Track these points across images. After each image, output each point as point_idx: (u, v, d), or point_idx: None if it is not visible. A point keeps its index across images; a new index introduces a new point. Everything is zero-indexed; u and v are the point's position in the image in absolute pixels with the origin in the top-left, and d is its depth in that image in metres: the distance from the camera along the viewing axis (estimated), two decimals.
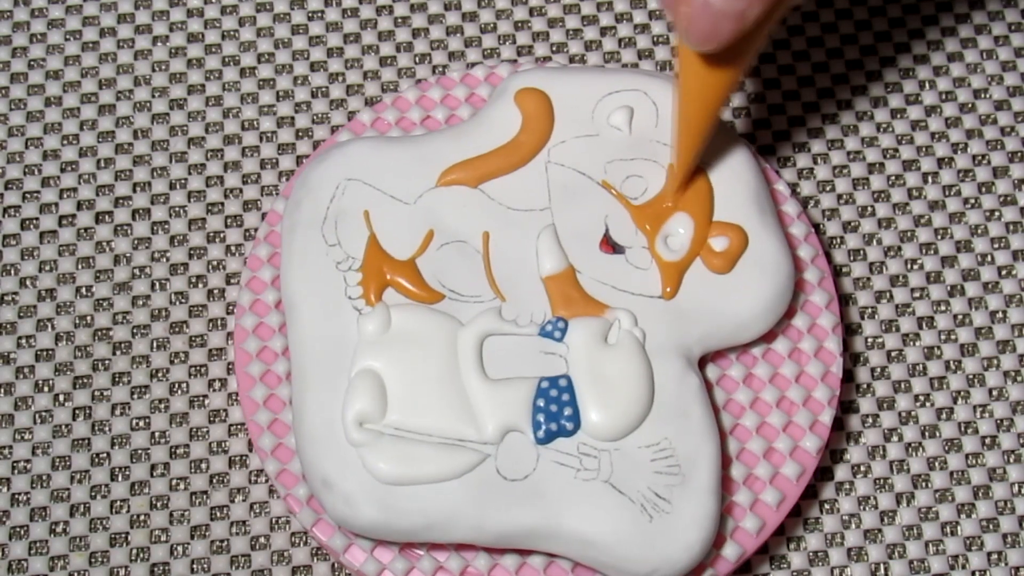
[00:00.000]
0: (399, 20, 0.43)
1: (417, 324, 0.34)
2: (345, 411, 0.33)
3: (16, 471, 0.37)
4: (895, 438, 0.38)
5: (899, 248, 0.40)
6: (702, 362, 0.35)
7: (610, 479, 0.32)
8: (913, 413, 0.38)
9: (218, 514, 0.37)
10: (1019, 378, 0.38)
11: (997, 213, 0.40)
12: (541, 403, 0.33)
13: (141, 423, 0.37)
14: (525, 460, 0.33)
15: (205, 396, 0.38)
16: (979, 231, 0.40)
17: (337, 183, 0.35)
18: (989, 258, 0.40)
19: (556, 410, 0.33)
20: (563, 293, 0.34)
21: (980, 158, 0.41)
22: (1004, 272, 0.40)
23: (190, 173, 0.40)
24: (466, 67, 0.42)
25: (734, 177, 0.36)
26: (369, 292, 0.34)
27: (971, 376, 0.38)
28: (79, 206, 0.40)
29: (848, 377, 0.38)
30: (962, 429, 0.38)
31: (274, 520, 0.36)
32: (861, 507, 0.37)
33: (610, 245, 0.35)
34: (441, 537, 0.32)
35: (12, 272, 0.39)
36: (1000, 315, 0.39)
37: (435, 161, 0.36)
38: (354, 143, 0.36)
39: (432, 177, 0.35)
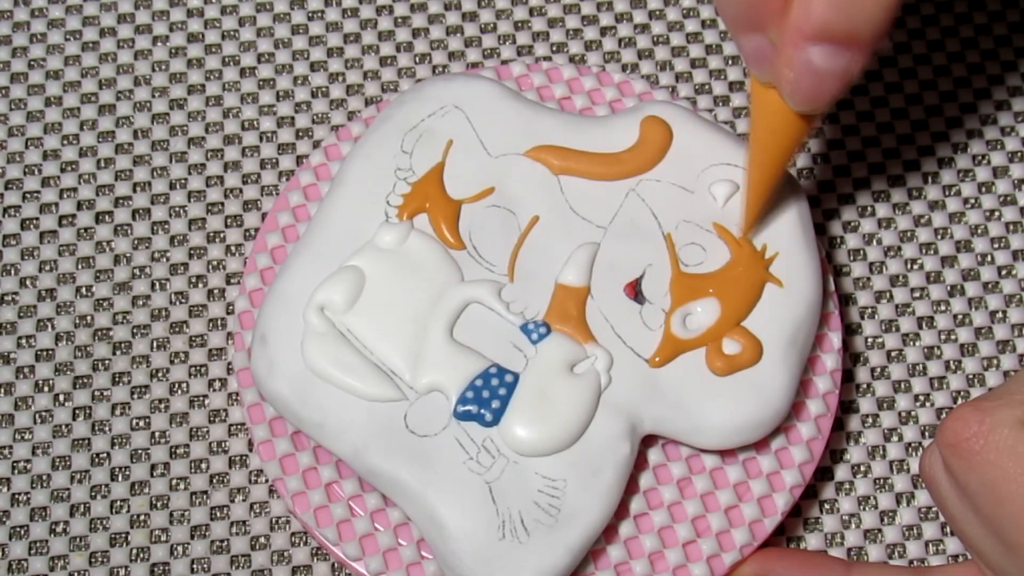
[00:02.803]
0: (399, 20, 0.43)
1: (425, 257, 0.35)
2: (317, 291, 0.34)
3: (16, 471, 0.37)
4: (895, 438, 0.38)
5: (899, 248, 0.40)
6: (650, 440, 0.35)
7: (492, 483, 0.33)
8: (913, 413, 0.38)
9: (218, 514, 0.37)
10: None
11: (997, 213, 0.40)
12: (479, 383, 0.33)
13: (141, 423, 0.37)
14: (434, 422, 0.33)
15: (205, 396, 0.38)
16: (979, 231, 0.40)
17: (443, 104, 0.36)
18: (989, 258, 0.40)
19: (487, 397, 0.33)
20: (564, 305, 0.34)
21: (980, 158, 0.41)
22: (1004, 272, 0.40)
23: (190, 173, 0.40)
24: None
25: (790, 302, 0.35)
26: (405, 208, 0.35)
27: (971, 376, 0.38)
28: (79, 206, 0.40)
29: (848, 377, 0.38)
30: None
31: (274, 520, 0.36)
32: (861, 507, 0.37)
33: (635, 291, 0.34)
34: (326, 442, 0.33)
35: (12, 272, 0.39)
36: (1000, 315, 0.39)
37: (537, 132, 0.36)
38: (482, 80, 0.37)
39: (525, 144, 0.36)
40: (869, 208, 0.40)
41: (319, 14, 0.42)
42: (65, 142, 0.41)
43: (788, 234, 0.35)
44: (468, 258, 0.35)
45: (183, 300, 0.39)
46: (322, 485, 0.34)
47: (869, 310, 0.39)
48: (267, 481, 0.37)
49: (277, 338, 0.34)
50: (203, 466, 0.37)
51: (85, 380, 0.38)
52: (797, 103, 0.30)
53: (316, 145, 0.41)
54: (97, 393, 0.38)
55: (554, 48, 0.42)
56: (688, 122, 0.36)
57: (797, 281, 0.35)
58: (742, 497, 0.34)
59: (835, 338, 0.36)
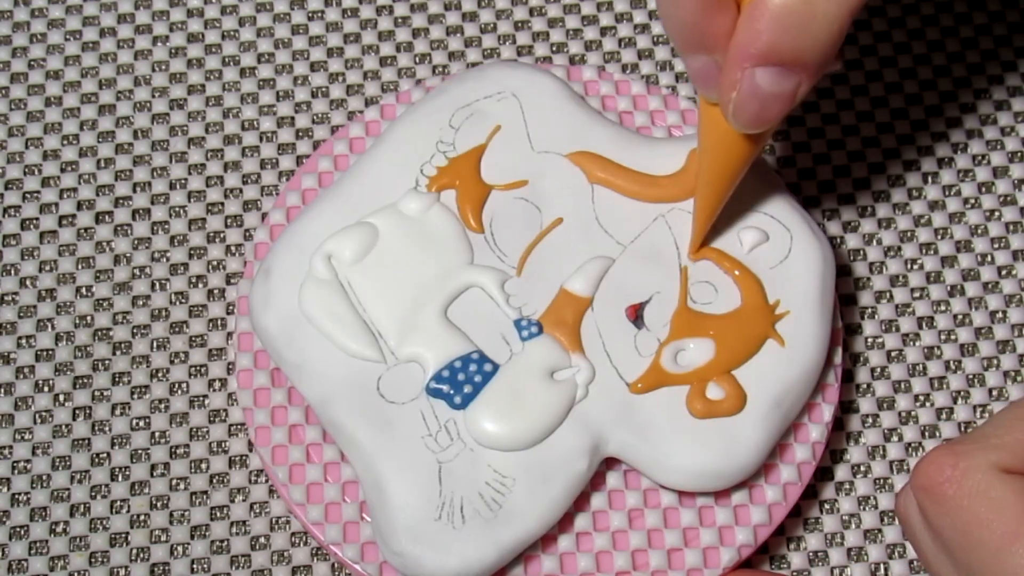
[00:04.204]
0: (399, 20, 0.43)
1: (441, 232, 0.35)
2: (329, 239, 0.35)
3: (16, 471, 0.37)
4: (895, 438, 0.38)
5: (899, 248, 0.40)
6: (613, 463, 0.34)
7: (443, 464, 0.33)
8: (913, 413, 0.38)
9: (218, 514, 0.37)
10: (1019, 378, 0.38)
11: (997, 213, 0.40)
12: (458, 364, 0.34)
13: (141, 423, 0.37)
14: (405, 391, 0.34)
15: (205, 396, 0.38)
16: (979, 231, 0.40)
17: (502, 89, 0.37)
18: (989, 258, 0.40)
19: (462, 380, 0.33)
20: (562, 311, 0.34)
21: (980, 158, 0.41)
22: (1004, 272, 0.40)
23: (190, 173, 0.40)
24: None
25: (786, 363, 0.34)
26: (437, 181, 0.36)
27: (971, 376, 0.38)
28: (79, 206, 0.40)
29: (848, 377, 0.38)
30: (962, 429, 0.38)
31: (274, 520, 0.36)
32: (861, 507, 0.37)
33: (636, 314, 0.34)
34: (299, 384, 0.34)
35: (12, 272, 0.39)
36: (1000, 315, 0.39)
37: (585, 138, 0.36)
38: (546, 75, 0.37)
39: (570, 147, 0.36)
40: (869, 208, 0.40)
41: (319, 14, 0.42)
42: (65, 142, 0.41)
43: (805, 295, 0.35)
44: (483, 243, 0.35)
45: (183, 300, 0.39)
46: (287, 425, 0.35)
47: (869, 310, 0.39)
48: (267, 481, 0.37)
49: (280, 275, 0.35)
50: (203, 466, 0.37)
51: (85, 380, 0.38)
52: (741, 124, 0.30)
53: (316, 146, 0.41)
54: (97, 393, 0.38)
55: (554, 48, 0.42)
56: None
57: (800, 344, 0.34)
58: (688, 543, 0.34)
59: (827, 411, 0.36)
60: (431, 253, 0.35)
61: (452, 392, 0.33)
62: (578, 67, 0.39)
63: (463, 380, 0.33)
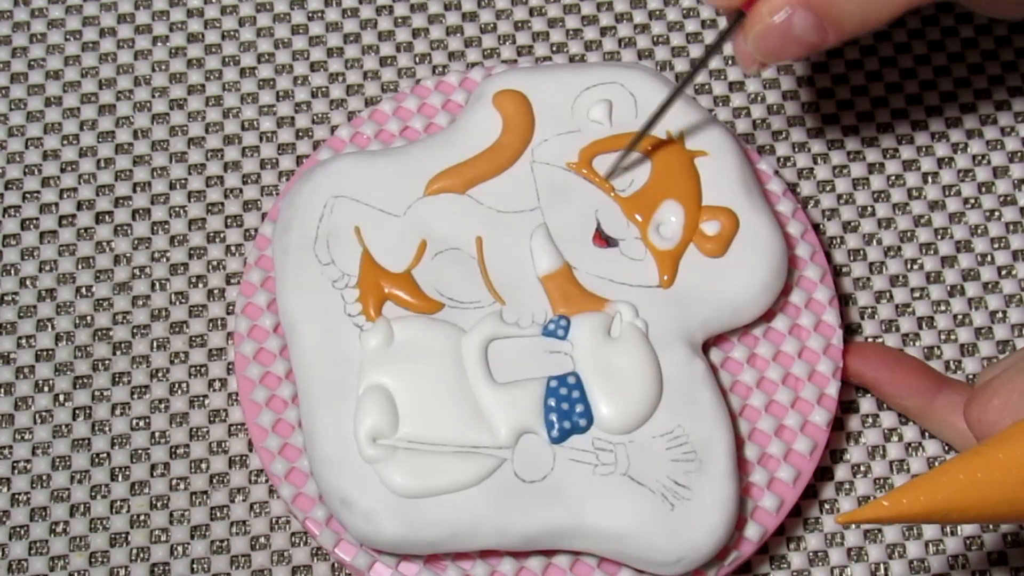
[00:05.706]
0: (399, 20, 0.43)
1: (420, 335, 0.34)
2: (357, 428, 0.33)
3: (16, 471, 0.37)
4: (895, 438, 0.38)
5: (899, 248, 0.40)
6: (705, 347, 0.35)
7: (628, 472, 0.33)
8: None
9: (218, 514, 0.37)
10: None
11: (997, 213, 0.40)
12: (552, 402, 0.33)
13: (141, 423, 0.37)
14: (542, 461, 0.33)
15: (205, 396, 0.38)
16: (979, 231, 0.40)
17: (324, 202, 0.35)
18: (989, 258, 0.40)
19: (568, 408, 0.33)
20: (562, 291, 0.34)
21: (980, 158, 0.41)
22: (1004, 272, 0.40)
23: (190, 173, 0.40)
24: (434, 72, 0.41)
25: (718, 161, 0.36)
26: (368, 307, 0.34)
27: (971, 376, 0.38)
28: (79, 206, 0.40)
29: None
30: None
31: (274, 520, 0.36)
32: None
33: (603, 239, 0.35)
34: (466, 545, 0.32)
35: (12, 272, 0.39)
36: (1000, 315, 0.39)
37: (421, 171, 0.36)
38: (337, 160, 0.36)
39: (419, 187, 0.35)
40: (869, 208, 0.40)
41: (319, 14, 0.42)
42: (65, 142, 0.41)
43: (684, 114, 0.36)
44: (453, 311, 0.34)
45: (183, 300, 0.39)
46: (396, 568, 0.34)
47: (869, 310, 0.39)
48: (267, 481, 0.37)
49: (356, 493, 0.32)
50: (203, 466, 0.37)
51: (85, 380, 0.38)
52: (756, 49, 0.32)
53: (315, 146, 0.41)
54: (97, 393, 0.38)
55: (554, 48, 0.42)
56: (531, 77, 0.37)
57: (713, 145, 0.36)
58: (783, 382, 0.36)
59: (833, 311, 0.37)
60: (432, 357, 0.34)
61: (573, 423, 0.33)
62: (334, 138, 0.38)
63: (568, 408, 0.33)
